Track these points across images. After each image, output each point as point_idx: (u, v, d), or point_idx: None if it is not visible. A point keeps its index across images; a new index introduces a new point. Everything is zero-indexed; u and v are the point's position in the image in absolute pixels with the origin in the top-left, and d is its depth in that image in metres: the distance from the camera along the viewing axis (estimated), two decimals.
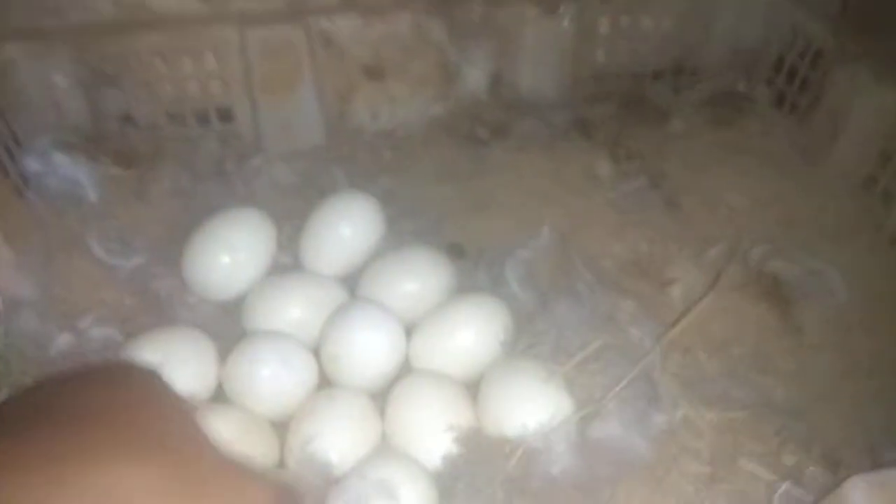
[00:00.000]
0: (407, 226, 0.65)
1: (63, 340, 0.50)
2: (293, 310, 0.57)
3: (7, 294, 0.51)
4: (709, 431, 0.47)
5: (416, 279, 0.59)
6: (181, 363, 0.50)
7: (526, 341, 0.53)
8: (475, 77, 0.72)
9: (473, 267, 0.61)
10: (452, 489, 0.43)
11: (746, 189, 0.67)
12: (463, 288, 0.59)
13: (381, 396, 0.54)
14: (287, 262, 0.63)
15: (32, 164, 0.59)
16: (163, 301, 0.57)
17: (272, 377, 0.52)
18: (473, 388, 0.53)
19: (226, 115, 0.69)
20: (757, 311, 0.56)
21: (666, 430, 0.46)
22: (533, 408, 0.47)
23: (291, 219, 0.63)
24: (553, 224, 0.61)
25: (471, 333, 0.55)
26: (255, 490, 0.25)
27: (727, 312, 0.55)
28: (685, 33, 0.75)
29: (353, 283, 0.61)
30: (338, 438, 0.49)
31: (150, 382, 0.26)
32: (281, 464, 0.50)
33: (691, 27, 0.74)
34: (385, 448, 0.50)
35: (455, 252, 0.63)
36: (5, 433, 0.21)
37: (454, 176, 0.68)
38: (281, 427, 0.52)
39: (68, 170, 0.60)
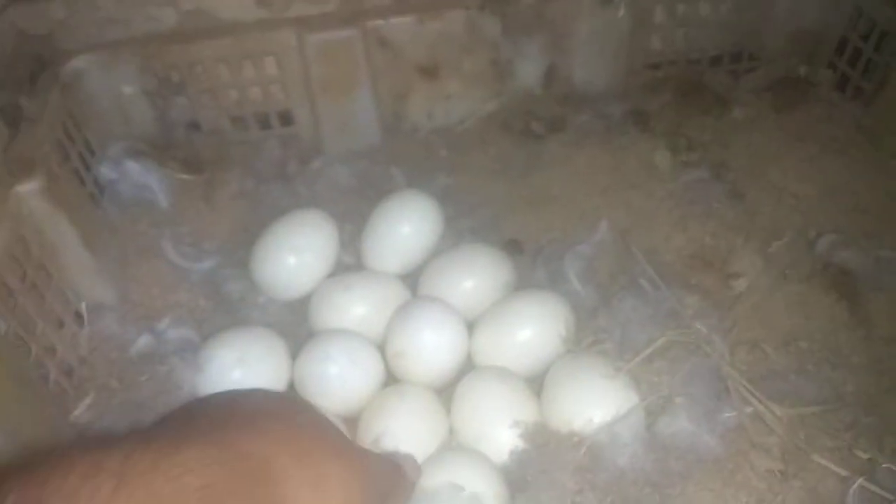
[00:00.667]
0: (465, 223, 0.65)
1: (143, 342, 0.52)
2: (357, 308, 0.58)
3: (89, 299, 0.53)
4: (779, 427, 0.46)
5: (475, 276, 0.59)
6: (257, 362, 0.52)
7: (589, 338, 0.53)
8: (529, 72, 0.72)
9: (532, 263, 0.62)
10: (522, 482, 0.44)
11: (812, 177, 0.65)
12: (522, 284, 0.60)
13: (445, 392, 0.55)
14: (349, 262, 0.64)
15: (106, 172, 0.62)
16: (234, 302, 0.59)
17: (340, 374, 0.53)
18: (536, 383, 0.53)
19: (286, 119, 0.70)
20: (825, 304, 0.55)
21: (735, 425, 0.46)
22: (599, 403, 0.47)
23: (352, 219, 0.65)
24: (612, 218, 0.61)
25: (532, 329, 0.55)
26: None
27: (794, 305, 0.54)
28: (743, 17, 0.73)
29: (413, 280, 0.62)
30: (407, 434, 0.50)
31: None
32: None
33: (749, 11, 0.73)
34: (453, 443, 0.51)
35: (513, 248, 0.63)
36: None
37: (510, 172, 0.68)
38: (350, 423, 0.53)
39: (140, 176, 0.62)
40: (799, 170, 0.66)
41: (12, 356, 0.42)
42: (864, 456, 0.46)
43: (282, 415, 0.33)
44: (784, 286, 0.55)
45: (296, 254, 0.60)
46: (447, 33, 0.68)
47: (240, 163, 0.68)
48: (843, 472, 0.45)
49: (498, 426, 0.50)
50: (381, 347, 0.57)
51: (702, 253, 0.59)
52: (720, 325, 0.51)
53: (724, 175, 0.65)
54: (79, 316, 0.52)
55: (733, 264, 0.58)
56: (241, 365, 0.52)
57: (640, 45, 0.72)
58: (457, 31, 0.68)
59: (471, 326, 0.57)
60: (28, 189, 0.48)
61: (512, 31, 0.69)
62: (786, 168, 0.66)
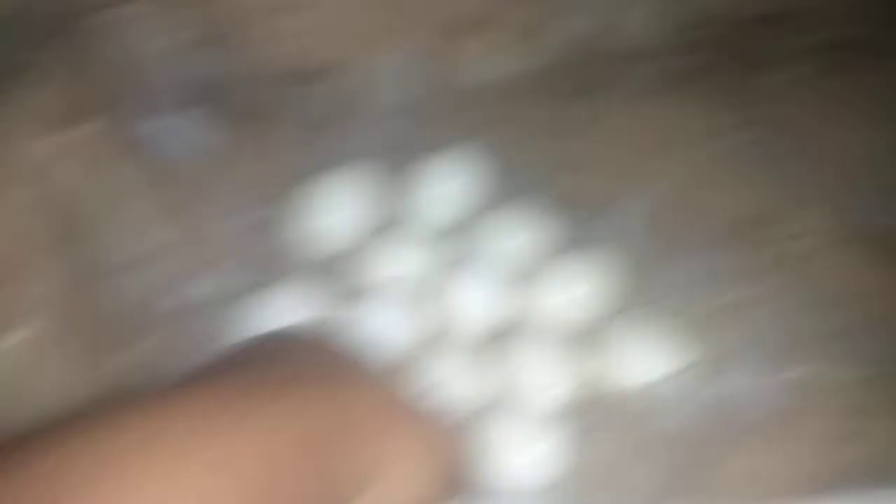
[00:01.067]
0: (513, 180, 0.65)
1: (200, 286, 0.53)
2: (400, 265, 0.59)
3: (152, 242, 0.54)
4: (840, 388, 0.46)
5: (523, 235, 0.59)
6: (309, 310, 0.53)
7: (644, 295, 0.53)
8: (582, 27, 0.71)
9: (579, 224, 0.61)
10: (576, 437, 0.44)
11: (869, 138, 0.64)
12: (574, 242, 0.59)
13: (495, 348, 0.55)
14: (400, 217, 0.64)
15: (157, 123, 0.62)
16: (287, 252, 0.59)
17: (386, 327, 0.54)
18: (585, 342, 0.53)
19: (334, 71, 0.69)
20: (886, 266, 0.54)
21: (796, 385, 0.45)
22: (654, 361, 0.47)
23: (396, 175, 0.64)
24: (668, 177, 0.60)
25: (581, 288, 0.55)
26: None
27: (858, 265, 0.53)
28: None
29: (457, 239, 0.62)
30: (454, 390, 0.51)
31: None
32: None
33: None
34: (504, 399, 0.51)
35: (562, 206, 0.63)
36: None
37: (561, 129, 0.67)
38: (394, 376, 0.53)
39: (189, 127, 0.62)
40: (856, 130, 0.64)
41: (76, 298, 0.42)
42: None
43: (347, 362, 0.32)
44: (847, 246, 0.54)
45: (343, 207, 0.60)
46: None
47: (287, 116, 0.67)
48: None
49: (550, 382, 0.50)
50: (433, 303, 0.57)
51: (760, 213, 0.58)
52: (782, 285, 0.50)
53: (781, 135, 0.64)
54: (129, 265, 0.53)
55: (793, 225, 0.57)
56: (293, 312, 0.53)
57: (690, 2, 0.71)
58: None
59: (517, 286, 0.57)
60: (89, 132, 0.48)
61: None
62: (842, 128, 0.64)
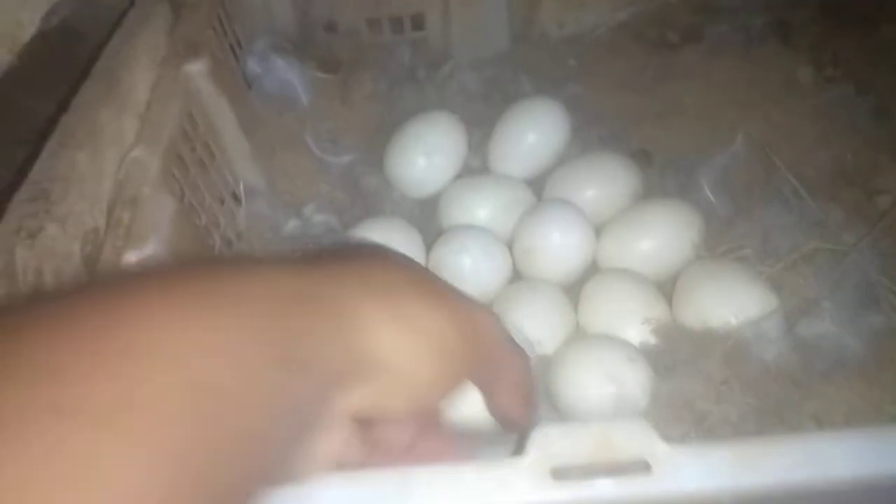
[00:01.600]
0: (593, 132, 0.65)
1: (291, 224, 0.55)
2: (485, 208, 0.60)
3: (244, 181, 0.56)
4: None
5: (602, 184, 0.59)
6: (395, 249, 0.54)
7: (726, 245, 0.53)
8: None
9: (662, 174, 0.61)
10: (665, 369, 0.45)
11: None
12: (651, 195, 0.60)
13: (572, 292, 0.56)
14: (477, 165, 0.65)
15: (253, 66, 0.64)
16: (370, 195, 0.61)
17: (475, 266, 0.55)
18: (665, 289, 0.54)
19: (418, 23, 0.71)
20: None
21: (882, 330, 0.45)
22: (739, 305, 0.47)
23: (481, 124, 0.65)
24: (750, 131, 0.60)
25: (660, 236, 0.55)
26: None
27: None
28: None
29: (539, 186, 0.62)
30: (538, 325, 0.52)
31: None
32: None
33: None
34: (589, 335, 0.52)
35: (642, 158, 0.63)
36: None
37: (642, 82, 0.68)
38: None
39: (283, 72, 0.64)
40: None
41: (187, 223, 0.45)
42: None
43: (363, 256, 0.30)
44: None
45: (426, 154, 0.62)
46: None
47: (373, 65, 0.69)
48: None
49: (628, 323, 0.51)
50: (509, 246, 0.58)
51: (844, 169, 0.57)
52: (867, 236, 0.50)
53: (868, 92, 0.63)
54: (236, 196, 0.56)
55: (877, 181, 0.56)
56: None
57: None
58: None
59: (597, 233, 0.58)
60: (195, 69, 0.51)
61: None
62: None
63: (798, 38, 0.67)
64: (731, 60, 0.66)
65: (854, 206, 0.54)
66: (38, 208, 0.36)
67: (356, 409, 0.25)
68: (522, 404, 0.31)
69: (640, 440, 0.28)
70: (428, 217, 0.62)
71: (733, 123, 0.62)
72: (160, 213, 0.42)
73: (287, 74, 0.64)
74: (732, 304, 0.47)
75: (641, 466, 0.27)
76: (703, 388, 0.42)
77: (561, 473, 0.27)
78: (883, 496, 0.28)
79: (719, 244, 0.53)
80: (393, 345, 0.25)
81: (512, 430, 0.32)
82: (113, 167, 0.42)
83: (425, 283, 0.29)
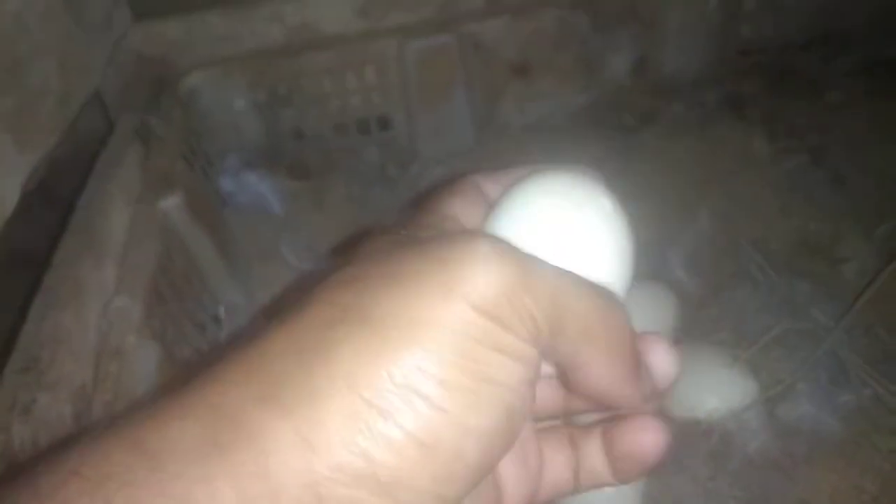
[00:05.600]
0: None
1: None
2: None
3: (226, 301, 0.57)
4: None
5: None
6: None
7: (701, 328, 0.54)
8: (619, 64, 0.73)
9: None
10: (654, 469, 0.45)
11: None
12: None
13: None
14: None
15: (226, 184, 0.65)
16: None
17: None
18: None
19: (384, 124, 0.73)
20: None
21: (856, 408, 0.47)
22: (721, 393, 0.49)
23: None
24: (713, 208, 0.62)
25: (641, 320, 0.56)
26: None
27: None
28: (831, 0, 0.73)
29: None
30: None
31: None
32: None
33: None
34: None
35: None
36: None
37: (604, 165, 0.69)
38: None
39: (255, 186, 0.66)
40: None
41: (172, 364, 0.45)
42: None
43: None
44: (893, 269, 0.55)
45: None
46: (538, 31, 0.70)
47: (343, 168, 0.71)
48: None
49: None
50: None
51: (808, 239, 0.59)
52: (834, 311, 0.51)
53: (824, 160, 0.65)
54: (216, 319, 0.56)
55: (840, 250, 0.58)
56: None
57: (730, 32, 0.73)
58: (548, 29, 0.70)
59: None
60: (170, 204, 0.52)
61: (602, 24, 0.70)
62: (886, 152, 0.65)
63: (751, 111, 0.70)
64: (689, 139, 0.69)
65: (820, 279, 0.56)
66: (31, 379, 0.36)
67: None
68: (628, 372, 0.23)
69: None
70: None
71: (697, 201, 0.64)
72: (146, 363, 0.43)
73: (259, 187, 0.66)
74: (715, 392, 0.49)
75: None
76: (691, 487, 0.43)
77: None
78: None
79: (695, 327, 0.55)
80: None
81: (616, 409, 0.25)
82: (96, 318, 0.43)
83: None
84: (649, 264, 0.60)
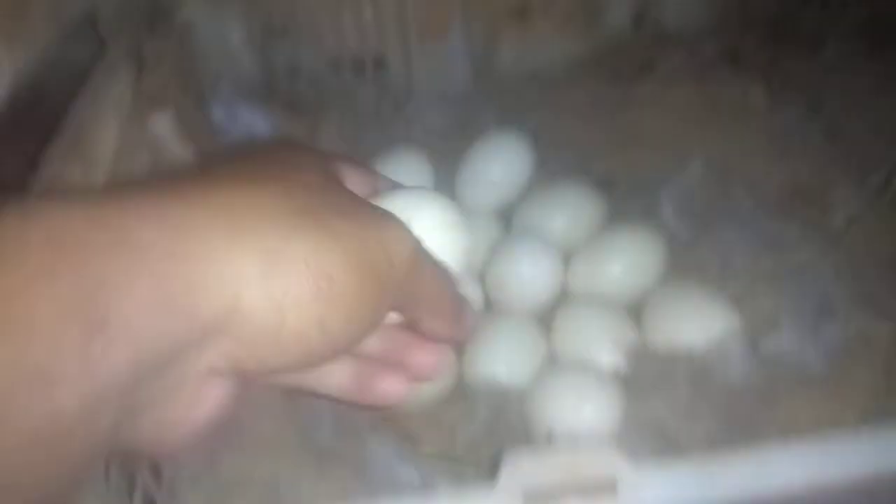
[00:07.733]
0: (556, 163, 0.66)
1: None
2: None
3: None
4: (884, 345, 0.47)
5: (567, 213, 0.61)
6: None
7: (688, 266, 0.54)
8: (619, 12, 0.73)
9: (624, 199, 0.63)
10: (637, 391, 0.46)
11: None
12: (615, 221, 0.61)
13: (542, 322, 0.57)
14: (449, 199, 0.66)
15: (219, 114, 0.65)
16: None
17: None
18: (633, 314, 0.55)
19: (380, 64, 0.73)
20: None
21: (840, 344, 0.47)
22: (704, 326, 0.49)
23: (446, 160, 0.67)
24: (707, 155, 0.62)
25: (627, 261, 0.57)
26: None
27: (886, 234, 0.55)
28: None
29: (506, 219, 0.64)
30: (511, 354, 0.53)
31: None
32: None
33: None
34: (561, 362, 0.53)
35: (605, 186, 0.64)
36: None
37: (601, 112, 0.69)
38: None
39: (249, 118, 0.65)
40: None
41: None
42: None
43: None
44: (885, 217, 0.55)
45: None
46: None
47: (338, 107, 0.71)
48: None
49: (600, 350, 0.52)
50: (480, 279, 0.59)
51: (800, 187, 0.59)
52: (823, 251, 0.52)
53: (820, 113, 0.65)
54: None
55: (832, 198, 0.58)
56: None
57: None
58: None
59: (565, 262, 0.59)
60: (161, 122, 0.52)
61: None
62: (881, 105, 0.65)
63: (749, 63, 0.70)
64: (687, 87, 0.68)
65: (810, 223, 0.56)
66: None
67: (213, 368, 0.23)
68: (453, 323, 0.33)
69: (605, 463, 0.29)
70: None
71: (691, 148, 0.64)
72: None
73: (253, 120, 0.65)
74: (698, 325, 0.49)
75: (608, 487, 0.28)
76: (671, 410, 0.43)
77: (532, 497, 0.28)
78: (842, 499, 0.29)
79: (682, 266, 0.55)
80: (253, 290, 0.22)
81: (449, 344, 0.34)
82: None
83: (335, 193, 0.28)
84: (640, 206, 0.61)
